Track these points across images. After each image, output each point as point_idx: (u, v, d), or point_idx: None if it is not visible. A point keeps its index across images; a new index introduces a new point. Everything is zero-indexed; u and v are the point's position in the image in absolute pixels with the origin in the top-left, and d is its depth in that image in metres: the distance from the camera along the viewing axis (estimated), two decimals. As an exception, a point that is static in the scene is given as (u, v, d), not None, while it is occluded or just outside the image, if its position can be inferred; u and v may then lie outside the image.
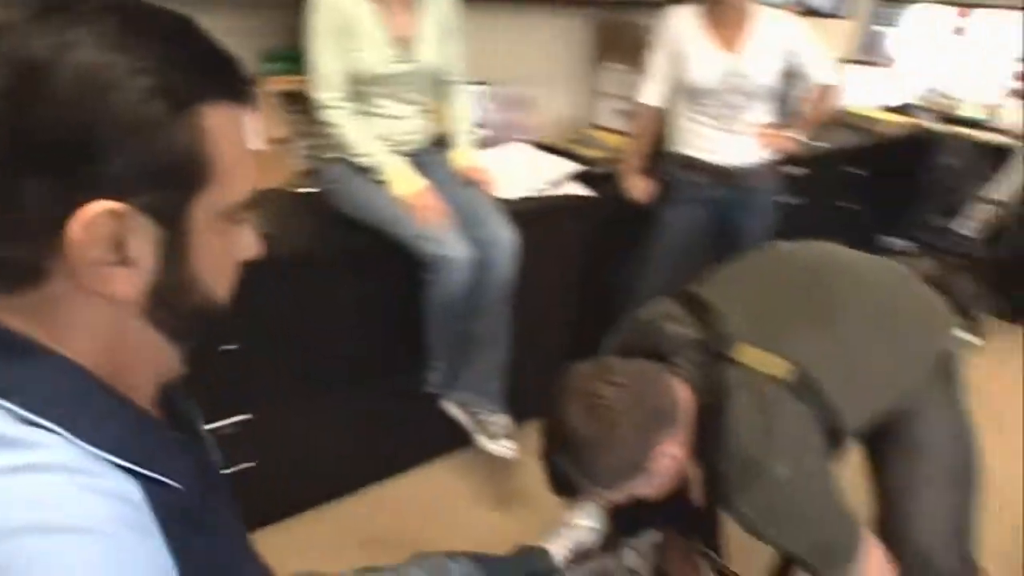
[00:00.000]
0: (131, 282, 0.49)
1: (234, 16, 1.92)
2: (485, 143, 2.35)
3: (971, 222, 3.34)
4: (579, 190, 2.27)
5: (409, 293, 1.83)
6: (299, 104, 1.97)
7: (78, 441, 0.45)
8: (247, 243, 0.57)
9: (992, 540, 1.44)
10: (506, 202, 1.99)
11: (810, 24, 3.52)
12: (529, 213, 2.01)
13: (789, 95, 2.55)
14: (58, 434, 0.45)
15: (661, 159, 2.34)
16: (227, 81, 0.51)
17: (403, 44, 1.74)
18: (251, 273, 0.60)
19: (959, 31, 4.07)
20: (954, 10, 4.04)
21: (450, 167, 1.92)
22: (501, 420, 1.97)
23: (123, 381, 0.52)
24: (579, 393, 1.02)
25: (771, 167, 2.33)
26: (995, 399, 2.73)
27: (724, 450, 1.06)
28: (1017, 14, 3.77)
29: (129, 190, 0.46)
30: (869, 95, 3.76)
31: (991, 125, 3.74)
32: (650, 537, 1.48)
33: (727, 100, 2.20)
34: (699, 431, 1.09)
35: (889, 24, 4.11)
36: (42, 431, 0.45)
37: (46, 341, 0.49)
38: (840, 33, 3.89)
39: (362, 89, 1.75)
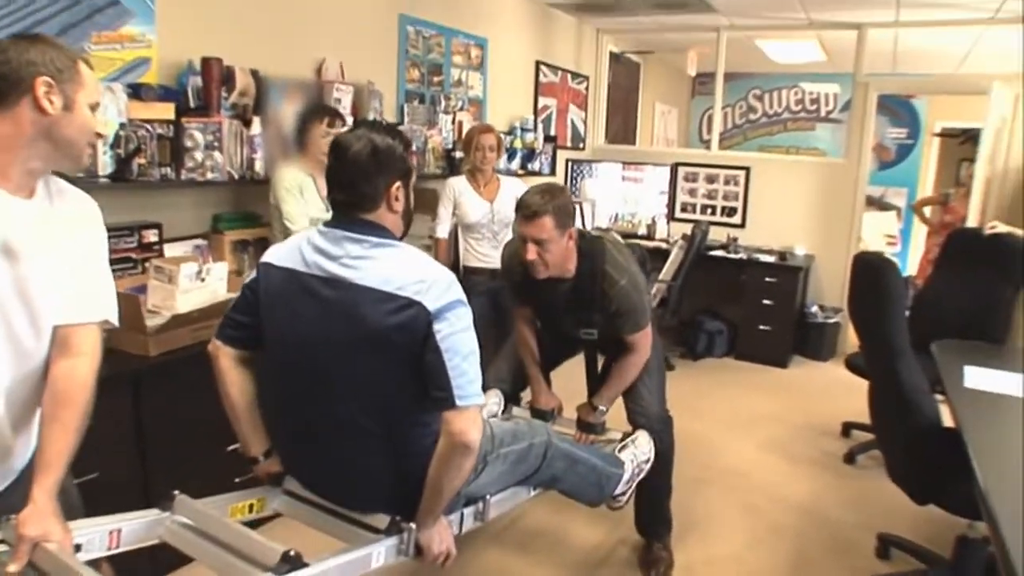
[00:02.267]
0: (401, 206, 1.54)
1: (197, 192, 3.03)
2: None
3: (651, 298, 5.07)
4: None
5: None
6: (245, 247, 3.10)
7: None
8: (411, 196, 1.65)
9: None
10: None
11: (531, 181, 5.20)
12: None
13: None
14: None
15: (457, 271, 3.71)
16: (409, 143, 1.63)
17: None
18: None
19: (626, 179, 6.08)
20: (620, 166, 6.06)
21: None
22: None
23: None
24: None
25: None
26: (688, 399, 4.37)
27: (608, 261, 2.29)
28: (664, 168, 5.81)
29: (400, 177, 1.54)
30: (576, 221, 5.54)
31: (653, 236, 5.68)
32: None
33: (491, 229, 3.64)
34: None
35: (586, 176, 6.01)
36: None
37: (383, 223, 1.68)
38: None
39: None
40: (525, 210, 2.19)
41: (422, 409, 1.54)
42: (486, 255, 3.64)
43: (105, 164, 2.54)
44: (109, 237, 2.53)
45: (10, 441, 1.39)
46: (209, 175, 2.80)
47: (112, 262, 2.56)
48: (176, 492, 1.56)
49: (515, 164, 4.97)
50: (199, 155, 2.76)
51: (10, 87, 1.25)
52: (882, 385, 2.42)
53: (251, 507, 1.72)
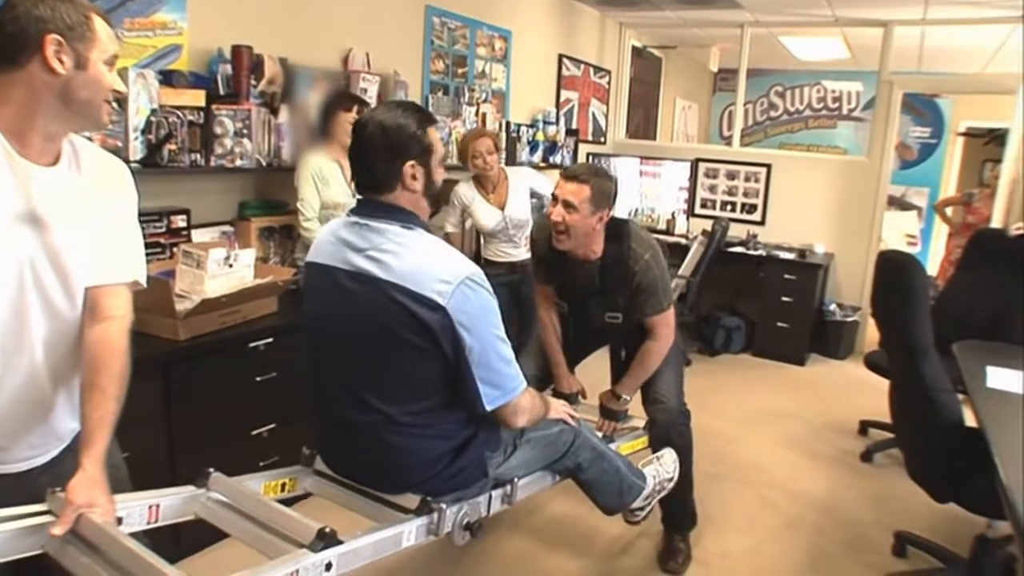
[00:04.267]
0: (418, 184, 1.54)
1: (224, 179, 3.07)
2: None
3: None
4: None
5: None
6: (271, 234, 3.14)
7: None
8: (442, 172, 1.65)
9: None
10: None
11: (553, 173, 5.21)
12: None
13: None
14: None
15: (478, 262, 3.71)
16: (431, 119, 1.63)
17: None
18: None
19: (645, 174, 6.07)
20: (639, 160, 6.05)
21: None
22: None
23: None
24: None
25: None
26: (705, 395, 4.38)
27: (634, 237, 2.34)
28: (684, 164, 5.80)
29: (415, 157, 1.53)
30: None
31: (672, 231, 5.68)
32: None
33: (506, 234, 3.59)
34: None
35: (609, 170, 6.01)
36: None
37: (403, 205, 1.64)
38: (574, 177, 5.70)
39: (329, 213, 2.96)
40: (568, 172, 2.28)
41: (452, 399, 1.58)
42: (504, 251, 3.65)
43: (136, 150, 2.58)
44: (139, 222, 2.66)
45: (49, 396, 1.39)
46: (238, 162, 2.84)
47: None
48: (211, 469, 1.60)
49: (537, 157, 4.98)
50: (228, 142, 2.80)
51: (19, 47, 1.19)
52: (904, 383, 2.42)
53: (283, 486, 1.76)
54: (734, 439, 3.84)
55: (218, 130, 2.77)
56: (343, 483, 1.74)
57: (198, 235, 2.89)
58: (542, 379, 2.67)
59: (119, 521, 1.39)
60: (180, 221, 2.79)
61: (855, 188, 5.42)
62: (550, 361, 2.66)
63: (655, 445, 2.57)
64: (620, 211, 5.71)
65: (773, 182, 5.71)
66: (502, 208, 3.54)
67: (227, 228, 3.06)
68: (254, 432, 2.65)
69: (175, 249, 2.69)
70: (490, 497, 1.78)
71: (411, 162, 1.53)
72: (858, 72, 7.75)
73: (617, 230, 2.36)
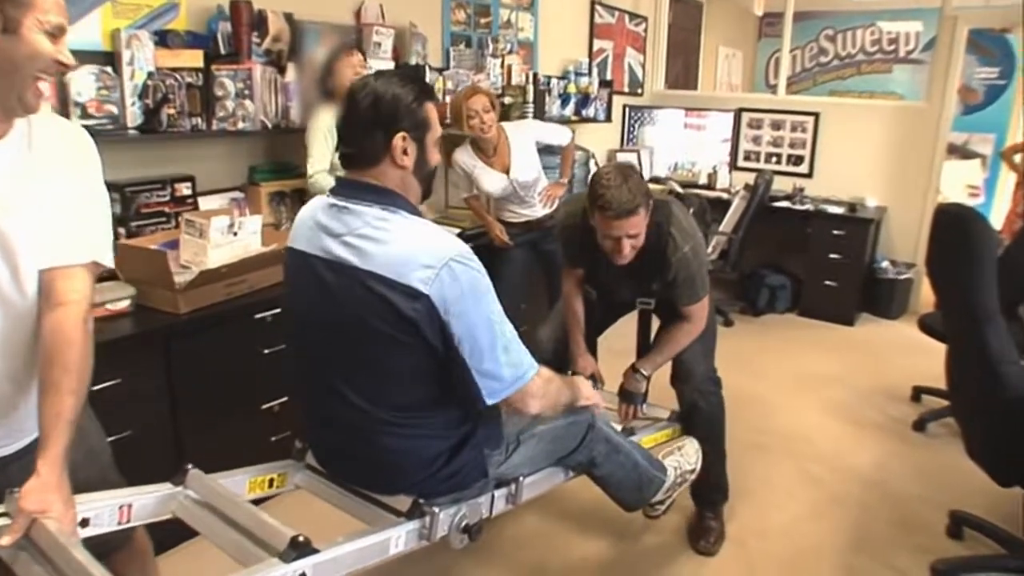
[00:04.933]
0: (409, 161, 1.40)
1: (232, 143, 2.94)
2: None
3: (710, 250, 4.84)
4: None
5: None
6: (282, 199, 3.01)
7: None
8: (438, 154, 1.53)
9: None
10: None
11: (587, 128, 4.99)
12: None
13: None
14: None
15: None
16: (430, 94, 1.47)
17: None
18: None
19: (688, 126, 5.80)
20: (681, 112, 5.78)
21: None
22: None
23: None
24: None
25: (556, 209, 3.40)
26: (747, 358, 4.19)
27: (675, 224, 2.12)
28: (727, 115, 5.51)
29: (408, 130, 1.39)
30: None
31: (714, 186, 5.42)
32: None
33: (516, 196, 3.36)
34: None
35: (645, 123, 5.77)
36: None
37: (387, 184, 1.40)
38: (608, 131, 5.47)
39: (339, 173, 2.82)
40: (616, 209, 1.96)
41: (446, 395, 1.44)
42: (517, 212, 3.44)
43: (134, 115, 2.46)
44: (140, 191, 2.58)
45: (9, 396, 1.31)
46: (240, 124, 2.70)
47: (145, 216, 2.58)
48: (190, 466, 1.49)
49: (568, 110, 4.74)
50: (230, 104, 2.66)
51: None
52: (963, 351, 2.19)
53: (271, 482, 1.64)
54: (777, 405, 3.65)
55: (219, 92, 2.63)
56: (335, 480, 1.62)
57: (206, 202, 2.79)
58: (560, 351, 2.52)
59: (85, 523, 1.30)
60: (185, 189, 2.68)
61: (911, 136, 5.05)
62: (570, 341, 2.50)
63: (683, 418, 2.41)
64: (659, 166, 5.64)
65: (821, 132, 5.37)
66: (506, 171, 3.29)
67: (237, 194, 2.95)
68: (264, 406, 2.56)
69: (180, 218, 2.58)
70: (492, 497, 1.64)
71: (403, 133, 1.40)
72: (917, 10, 7.22)
73: (658, 212, 2.13)
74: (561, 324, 2.54)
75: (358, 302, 1.36)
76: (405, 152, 1.40)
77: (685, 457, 2.20)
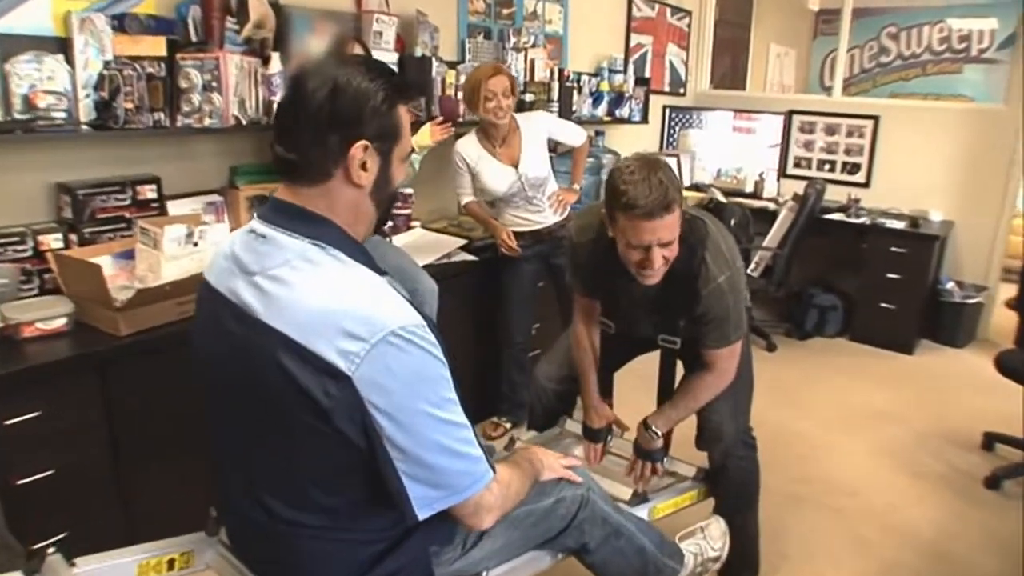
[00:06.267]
0: (368, 179, 1.10)
1: (214, 141, 2.65)
2: (394, 230, 3.15)
3: (753, 266, 4.42)
4: (467, 257, 3.11)
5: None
6: (263, 204, 2.71)
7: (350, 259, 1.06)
8: (404, 172, 1.20)
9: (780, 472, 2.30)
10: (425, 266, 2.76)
11: (620, 129, 4.62)
12: (434, 275, 2.68)
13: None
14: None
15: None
16: (405, 94, 1.14)
17: None
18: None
19: (736, 129, 5.37)
20: (731, 114, 5.34)
21: (381, 242, 2.64)
22: None
23: (354, 234, 1.11)
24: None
25: (567, 219, 3.04)
26: (790, 388, 3.75)
27: (710, 248, 1.73)
28: (777, 118, 5.08)
29: (371, 138, 1.07)
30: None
31: (760, 195, 4.97)
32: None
33: (524, 196, 2.96)
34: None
35: (687, 125, 5.36)
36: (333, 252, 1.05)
37: (324, 214, 1.08)
38: (645, 134, 5.07)
39: None
40: (645, 206, 1.57)
41: (384, 498, 1.09)
42: (524, 218, 3.05)
43: (87, 109, 2.18)
44: (95, 194, 2.26)
45: None
46: (207, 121, 2.39)
47: (101, 222, 2.29)
48: (50, 551, 1.17)
49: (601, 110, 4.37)
50: (196, 98, 2.36)
51: None
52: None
53: (171, 563, 1.31)
54: (821, 447, 3.21)
55: (184, 84, 2.34)
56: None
57: (176, 207, 2.50)
58: (565, 395, 2.17)
59: None
60: (149, 191, 2.39)
61: (985, 143, 4.52)
62: (580, 386, 2.12)
63: (711, 484, 2.03)
64: (701, 172, 5.21)
65: (881, 137, 4.88)
66: (515, 165, 2.94)
67: (215, 198, 2.65)
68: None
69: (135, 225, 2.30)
70: None
71: (364, 142, 1.08)
72: (992, 5, 6.62)
73: (691, 232, 1.74)
74: (567, 362, 2.16)
75: (260, 371, 1.04)
76: (364, 167, 1.09)
77: (709, 541, 1.82)
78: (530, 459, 1.39)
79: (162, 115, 2.31)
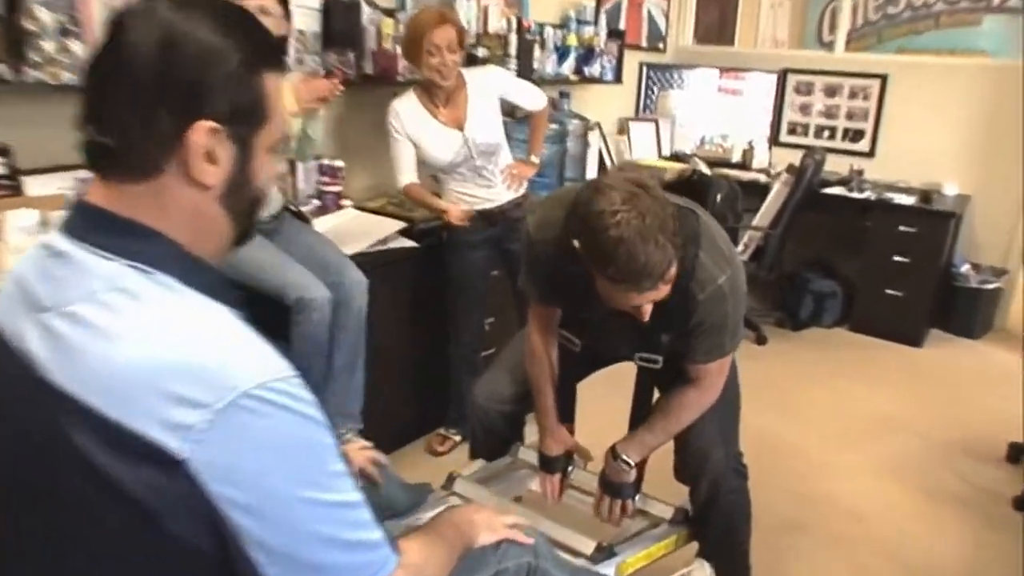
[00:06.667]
0: (216, 176, 0.78)
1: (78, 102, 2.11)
2: (322, 210, 2.71)
3: (742, 248, 3.96)
4: (407, 243, 2.64)
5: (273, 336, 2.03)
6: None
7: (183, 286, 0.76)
8: (277, 166, 0.83)
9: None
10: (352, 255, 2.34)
11: (590, 90, 4.11)
12: (367, 264, 2.34)
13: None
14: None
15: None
16: (276, 58, 0.83)
17: None
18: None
19: (724, 90, 4.89)
20: (717, 73, 4.87)
21: (300, 228, 2.29)
22: (362, 440, 2.21)
23: (199, 251, 0.81)
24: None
25: (524, 197, 2.71)
26: (782, 388, 3.32)
27: (704, 246, 1.47)
28: (769, 77, 4.62)
29: (221, 119, 0.76)
30: (648, 147, 4.49)
31: (749, 166, 4.49)
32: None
33: (471, 165, 2.55)
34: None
35: (667, 86, 4.88)
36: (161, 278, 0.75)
37: (152, 224, 0.77)
38: (619, 95, 4.53)
39: None
40: (636, 282, 1.33)
41: None
42: (473, 195, 2.60)
43: None
44: None
45: None
46: (64, 76, 1.93)
47: None
48: None
49: (567, 67, 3.85)
50: (48, 45, 1.89)
51: None
52: None
53: None
54: (818, 463, 2.80)
55: (30, 26, 1.86)
56: None
57: (36, 184, 2.04)
58: (513, 417, 1.90)
59: None
60: (-2, 165, 1.92)
61: (1007, 105, 4.07)
62: (535, 405, 1.80)
63: (693, 520, 1.74)
64: (682, 140, 4.71)
65: (889, 99, 4.42)
66: (460, 128, 2.50)
67: (88, 174, 2.08)
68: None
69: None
70: None
71: (210, 123, 0.77)
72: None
73: (681, 229, 1.39)
74: (517, 377, 1.82)
75: (48, 458, 0.74)
76: (210, 158, 0.79)
77: None
78: (456, 523, 1.14)
79: (3, 67, 1.85)
